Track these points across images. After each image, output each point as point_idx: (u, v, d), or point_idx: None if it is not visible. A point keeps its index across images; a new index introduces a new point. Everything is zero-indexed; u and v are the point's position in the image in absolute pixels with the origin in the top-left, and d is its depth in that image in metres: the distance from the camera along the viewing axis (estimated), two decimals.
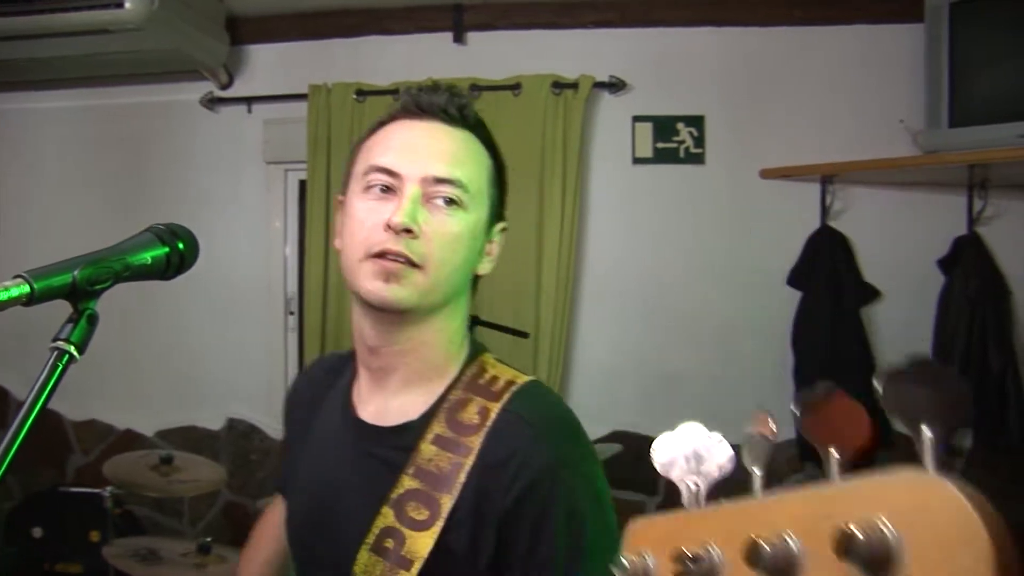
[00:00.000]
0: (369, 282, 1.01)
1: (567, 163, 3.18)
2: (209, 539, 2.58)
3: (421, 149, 1.03)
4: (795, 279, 3.11)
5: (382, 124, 1.09)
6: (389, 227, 0.99)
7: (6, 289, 0.78)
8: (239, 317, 3.56)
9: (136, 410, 3.66)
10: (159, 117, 3.66)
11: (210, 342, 3.58)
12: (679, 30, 3.24)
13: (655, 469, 0.49)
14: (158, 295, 3.56)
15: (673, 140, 3.25)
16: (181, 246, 0.93)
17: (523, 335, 2.64)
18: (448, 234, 1.02)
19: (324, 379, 1.23)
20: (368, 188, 1.04)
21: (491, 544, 0.97)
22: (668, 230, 3.29)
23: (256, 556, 1.35)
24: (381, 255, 1.00)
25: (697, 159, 3.24)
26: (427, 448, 1.01)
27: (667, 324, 3.27)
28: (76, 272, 0.83)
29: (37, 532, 3.30)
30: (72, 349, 0.81)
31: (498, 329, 2.46)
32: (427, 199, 1.01)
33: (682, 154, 3.25)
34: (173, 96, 3.65)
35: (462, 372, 1.08)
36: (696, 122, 3.24)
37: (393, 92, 3.26)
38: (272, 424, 3.57)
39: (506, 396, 1.03)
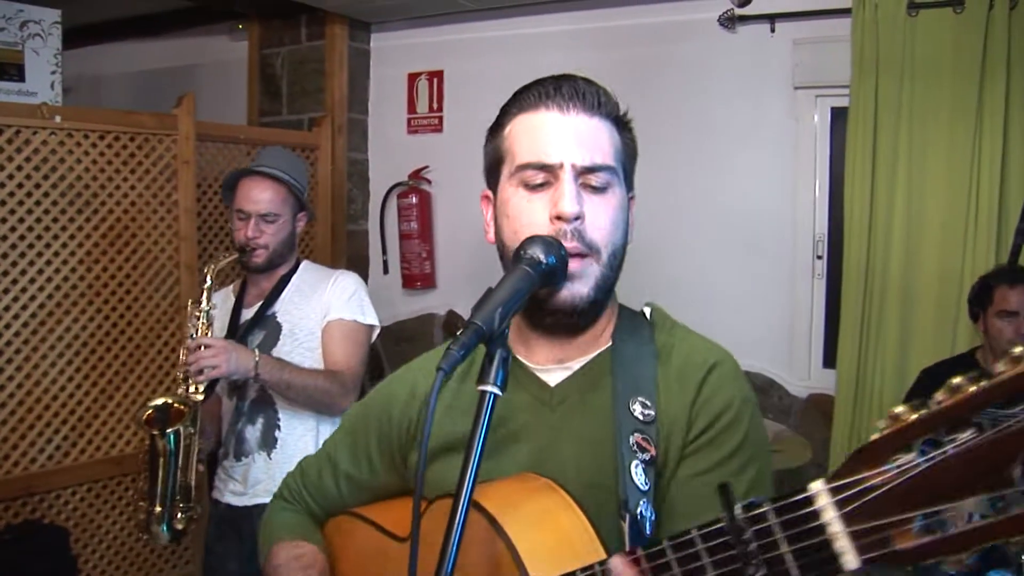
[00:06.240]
0: None
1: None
2: None
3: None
4: None
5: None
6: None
7: None
8: (759, 258, 3.25)
9: None
10: (670, 40, 3.41)
11: (726, 282, 3.30)
12: None
13: None
14: (672, 229, 3.35)
15: None
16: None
17: None
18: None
19: None
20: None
21: None
22: None
23: None
24: None
25: None
26: None
27: None
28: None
29: None
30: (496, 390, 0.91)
31: None
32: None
33: None
34: (685, 15, 3.37)
35: None
36: None
37: (953, 3, 2.75)
38: (792, 380, 3.24)
39: None
